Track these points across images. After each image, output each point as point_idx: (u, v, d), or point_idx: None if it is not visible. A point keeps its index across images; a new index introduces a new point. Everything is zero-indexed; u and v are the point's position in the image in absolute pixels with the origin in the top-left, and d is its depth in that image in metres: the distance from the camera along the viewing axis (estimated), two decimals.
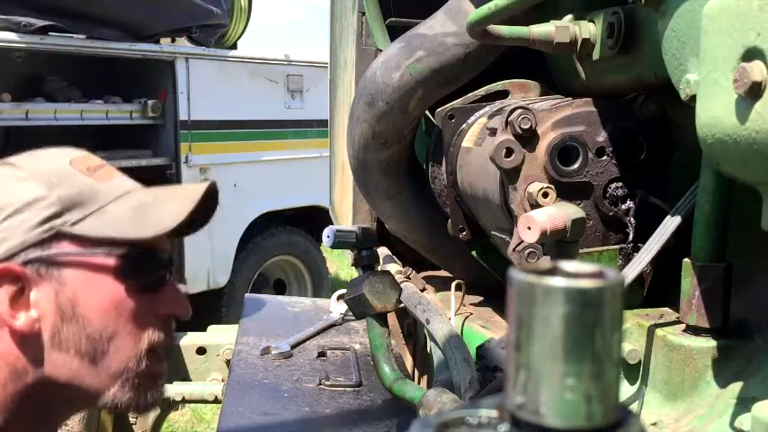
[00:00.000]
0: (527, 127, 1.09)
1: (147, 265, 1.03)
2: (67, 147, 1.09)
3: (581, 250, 1.11)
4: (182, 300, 1.10)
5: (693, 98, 0.76)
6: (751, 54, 0.63)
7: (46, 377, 0.98)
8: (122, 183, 1.06)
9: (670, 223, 0.98)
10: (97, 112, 4.71)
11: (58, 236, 0.97)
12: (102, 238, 0.99)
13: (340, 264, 7.90)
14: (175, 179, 4.96)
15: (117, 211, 1.00)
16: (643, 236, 1.06)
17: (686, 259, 0.95)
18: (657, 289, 1.12)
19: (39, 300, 0.97)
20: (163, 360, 1.08)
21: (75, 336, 0.98)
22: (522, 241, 1.07)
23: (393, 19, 1.83)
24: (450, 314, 1.59)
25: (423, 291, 1.79)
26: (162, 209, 1.03)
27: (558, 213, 1.03)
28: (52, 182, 0.98)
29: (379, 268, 1.87)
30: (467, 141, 1.41)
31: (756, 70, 0.62)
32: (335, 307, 2.10)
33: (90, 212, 0.99)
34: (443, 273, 1.92)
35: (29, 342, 0.97)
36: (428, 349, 1.74)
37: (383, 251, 2.04)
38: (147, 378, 1.04)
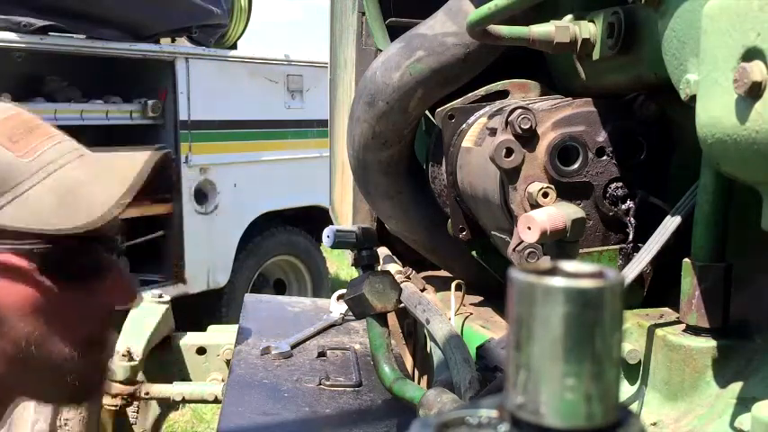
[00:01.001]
0: (527, 127, 1.09)
1: (78, 257, 0.88)
2: None
3: (581, 250, 1.11)
4: (124, 287, 0.94)
5: (693, 98, 0.76)
6: (751, 54, 0.63)
7: None
8: (52, 154, 0.88)
9: (670, 223, 0.98)
10: (97, 112, 4.72)
11: None
12: (22, 230, 0.83)
13: (340, 264, 7.89)
14: (176, 179, 4.96)
15: (40, 196, 0.84)
16: (643, 236, 1.06)
17: (686, 259, 0.94)
18: (657, 289, 1.12)
19: None
20: (105, 346, 0.95)
21: None
22: (522, 241, 1.07)
23: (393, 19, 1.83)
24: (450, 314, 1.59)
25: (423, 291, 1.78)
26: (95, 191, 0.87)
27: (558, 213, 1.03)
28: None
29: (379, 268, 1.87)
30: (467, 141, 1.41)
31: (756, 70, 0.62)
32: (335, 307, 2.10)
33: (8, 200, 0.83)
34: (443, 273, 1.92)
35: None
36: (428, 349, 1.74)
37: (383, 251, 2.04)
38: (85, 370, 0.91)
